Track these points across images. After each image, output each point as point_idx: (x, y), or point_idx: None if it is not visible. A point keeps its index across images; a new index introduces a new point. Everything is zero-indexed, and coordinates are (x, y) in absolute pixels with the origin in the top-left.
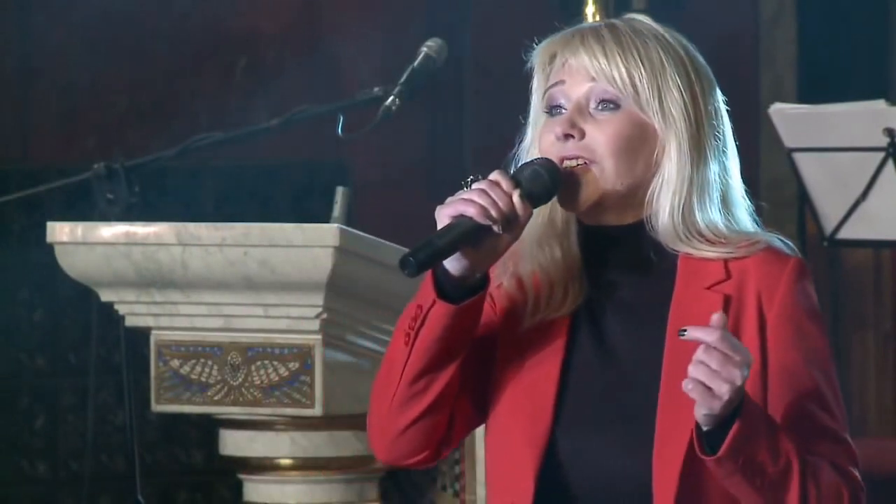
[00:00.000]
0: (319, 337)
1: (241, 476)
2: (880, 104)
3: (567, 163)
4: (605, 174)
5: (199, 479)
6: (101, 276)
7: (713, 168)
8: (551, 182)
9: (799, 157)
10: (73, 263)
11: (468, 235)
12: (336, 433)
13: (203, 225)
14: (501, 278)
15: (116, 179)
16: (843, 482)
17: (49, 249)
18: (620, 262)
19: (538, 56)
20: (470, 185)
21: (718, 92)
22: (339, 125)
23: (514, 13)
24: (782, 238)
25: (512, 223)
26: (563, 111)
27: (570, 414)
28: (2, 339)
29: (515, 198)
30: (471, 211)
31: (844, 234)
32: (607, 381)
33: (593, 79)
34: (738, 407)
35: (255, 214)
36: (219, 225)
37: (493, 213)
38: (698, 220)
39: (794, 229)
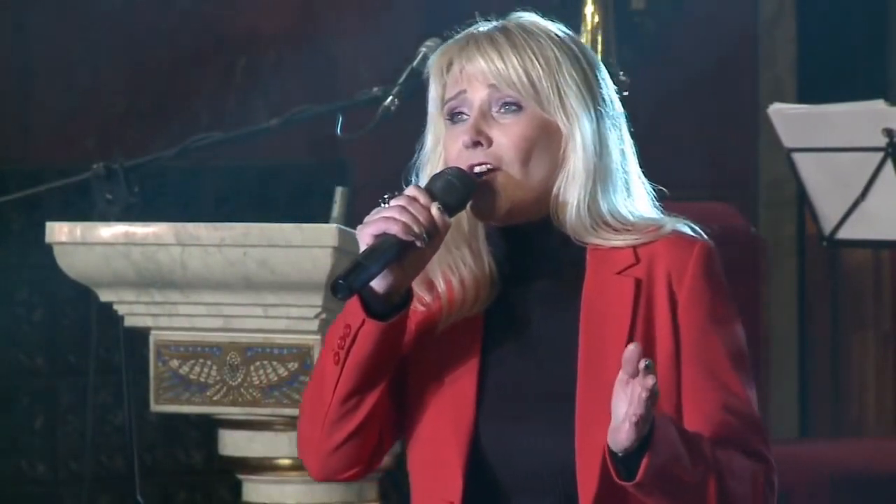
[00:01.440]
0: (319, 337)
1: (241, 476)
2: (880, 104)
3: (477, 169)
4: (515, 179)
5: (198, 479)
6: (100, 277)
7: (615, 157)
8: (464, 191)
9: (798, 157)
10: (73, 263)
11: (394, 256)
12: None
13: (202, 225)
14: (414, 287)
15: (116, 179)
16: (756, 468)
17: (49, 249)
18: (531, 256)
19: (434, 64)
20: (388, 202)
21: (610, 80)
22: (339, 125)
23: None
24: (689, 223)
25: (433, 236)
26: (466, 117)
27: (492, 406)
28: (2, 339)
29: (434, 211)
30: (393, 228)
31: (844, 234)
32: (525, 371)
33: (493, 84)
34: (650, 429)
35: (254, 214)
36: (218, 225)
37: (415, 228)
38: (603, 210)
39: (793, 229)
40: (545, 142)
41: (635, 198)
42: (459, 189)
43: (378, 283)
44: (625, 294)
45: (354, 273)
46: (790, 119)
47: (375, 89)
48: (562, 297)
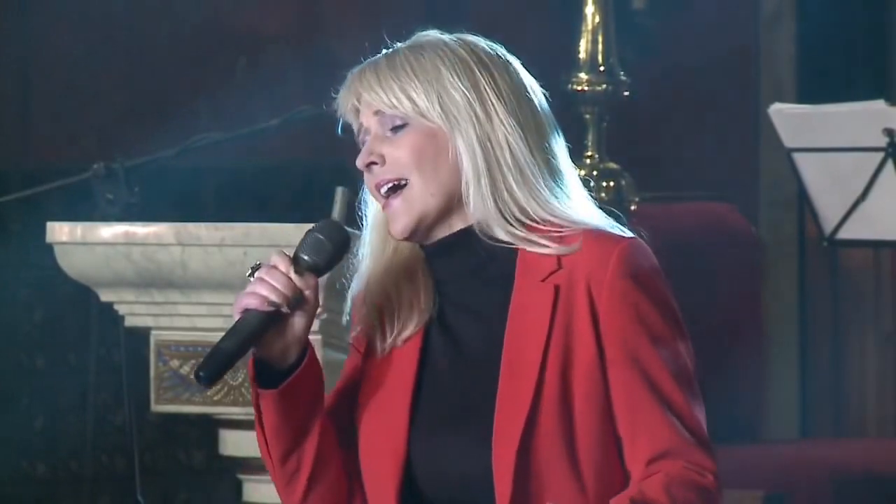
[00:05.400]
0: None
1: (241, 476)
2: (880, 104)
3: (383, 189)
4: (415, 190)
5: (199, 479)
6: (100, 277)
7: (518, 154)
8: (333, 246)
9: (799, 157)
10: (73, 263)
11: (259, 328)
12: None
13: (203, 225)
14: (358, 320)
15: (116, 179)
16: (693, 492)
17: (49, 249)
18: (461, 268)
19: (339, 104)
20: (253, 274)
21: (523, 76)
22: (339, 125)
23: (514, 12)
24: (617, 223)
25: (299, 300)
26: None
27: (423, 418)
28: (2, 339)
29: (293, 275)
30: (253, 303)
31: (844, 234)
32: (457, 384)
33: (378, 110)
34: None
35: (255, 214)
36: (219, 225)
37: (273, 297)
38: (511, 208)
39: (794, 229)
40: (434, 151)
41: (562, 198)
42: (327, 247)
43: (261, 354)
44: (545, 302)
45: (210, 361)
46: (790, 119)
47: None
48: (493, 308)
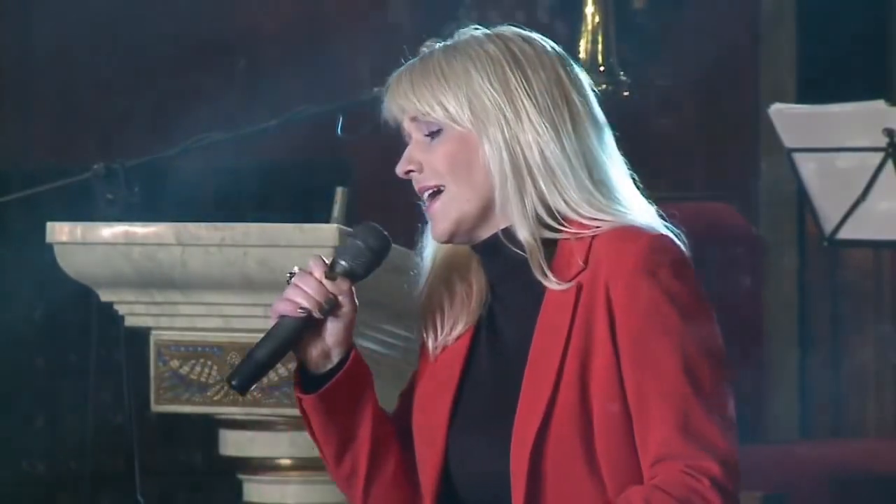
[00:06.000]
0: None
1: (241, 476)
2: (880, 104)
3: (425, 194)
4: (452, 196)
5: (199, 479)
6: (100, 276)
7: (548, 154)
8: (371, 253)
9: (799, 157)
10: (73, 263)
11: (292, 334)
12: None
13: (203, 225)
14: (421, 318)
15: (116, 179)
16: (678, 500)
17: (49, 249)
18: (505, 267)
19: (385, 111)
20: (290, 279)
21: (562, 71)
22: (339, 125)
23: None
24: (663, 216)
25: (332, 305)
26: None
27: (460, 417)
28: (2, 339)
29: (325, 282)
30: (286, 309)
31: (844, 234)
32: (493, 384)
33: (413, 116)
34: None
35: (254, 214)
36: (218, 225)
37: (305, 303)
38: (539, 211)
39: (794, 229)
40: (467, 153)
41: (600, 196)
42: (366, 254)
43: (302, 357)
44: (567, 302)
45: (244, 367)
46: (791, 119)
47: (375, 89)
48: (531, 308)
